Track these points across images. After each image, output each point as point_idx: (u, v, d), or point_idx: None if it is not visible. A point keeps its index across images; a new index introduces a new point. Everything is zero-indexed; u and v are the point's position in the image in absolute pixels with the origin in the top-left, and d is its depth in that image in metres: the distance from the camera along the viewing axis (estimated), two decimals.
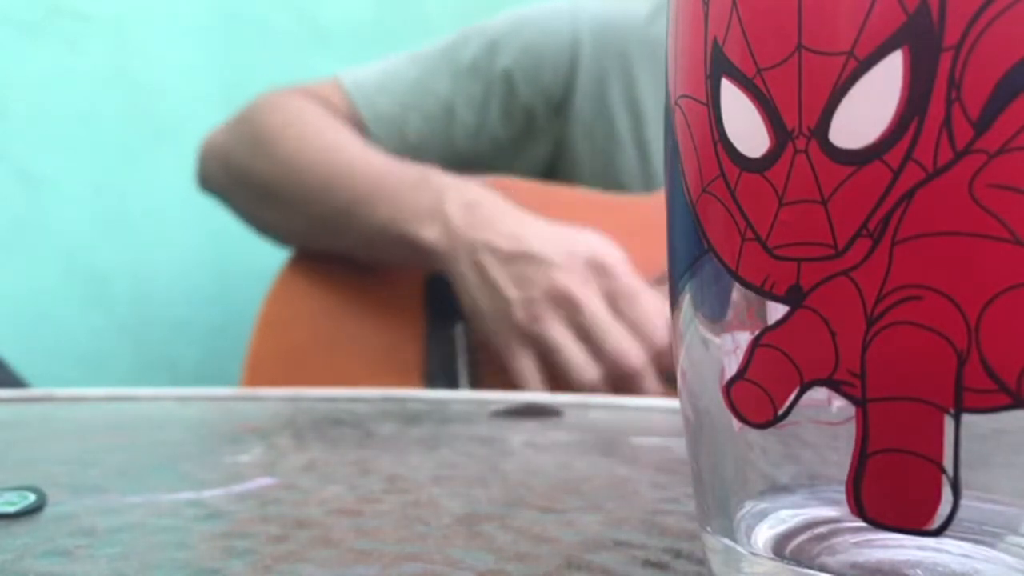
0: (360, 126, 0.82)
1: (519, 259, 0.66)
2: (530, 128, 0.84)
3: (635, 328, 0.64)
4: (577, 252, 0.66)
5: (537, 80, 0.82)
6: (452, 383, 0.72)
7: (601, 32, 0.83)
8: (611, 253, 0.67)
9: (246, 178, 0.81)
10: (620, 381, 0.64)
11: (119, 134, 1.05)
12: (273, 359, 0.75)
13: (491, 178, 0.77)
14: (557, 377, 0.66)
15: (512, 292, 0.66)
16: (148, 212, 1.07)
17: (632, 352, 0.63)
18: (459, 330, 0.74)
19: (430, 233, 0.69)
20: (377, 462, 0.29)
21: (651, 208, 0.71)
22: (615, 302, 0.65)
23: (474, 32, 0.85)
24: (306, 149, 0.77)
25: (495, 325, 0.67)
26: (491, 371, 0.72)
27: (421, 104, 0.83)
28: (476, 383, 0.72)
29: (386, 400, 0.46)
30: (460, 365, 0.72)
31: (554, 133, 0.85)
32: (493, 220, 0.69)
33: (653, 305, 0.65)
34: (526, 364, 0.66)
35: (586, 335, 0.64)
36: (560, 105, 0.83)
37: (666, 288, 0.74)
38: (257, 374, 0.74)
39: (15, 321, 0.99)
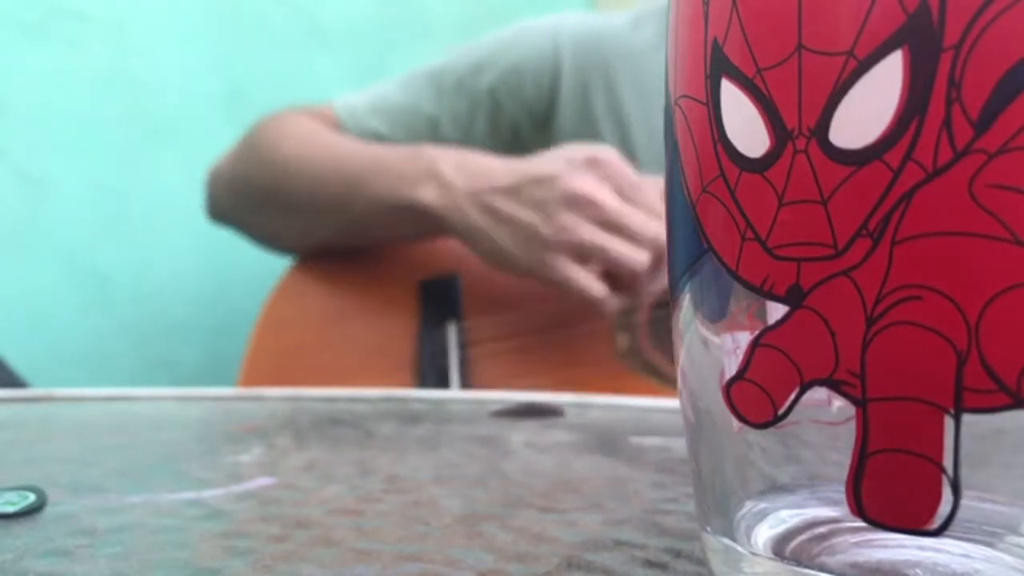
0: None
1: (523, 186, 0.68)
2: (516, 143, 0.86)
3: (649, 212, 0.66)
4: (574, 157, 0.68)
5: (520, 96, 0.84)
6: (443, 380, 0.73)
7: (582, 45, 0.84)
8: (603, 149, 0.69)
9: (249, 189, 0.83)
10: (660, 261, 0.66)
11: (119, 134, 1.05)
12: (270, 358, 0.76)
13: None
14: (610, 275, 0.67)
15: (531, 216, 0.67)
16: (148, 212, 1.07)
17: (661, 232, 0.64)
18: (451, 329, 0.75)
19: (427, 193, 0.71)
20: (377, 462, 0.29)
21: None
22: (621, 193, 0.67)
23: (459, 54, 0.87)
24: (303, 147, 0.80)
25: (527, 254, 0.68)
26: (481, 368, 0.73)
27: (407, 123, 0.85)
28: (466, 380, 0.73)
29: (386, 400, 0.46)
30: (451, 362, 0.73)
31: (540, 146, 0.86)
32: (487, 167, 0.71)
33: (655, 192, 0.67)
34: (575, 271, 0.66)
35: (615, 226, 0.66)
36: (544, 120, 0.85)
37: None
38: (255, 372, 0.75)
39: (15, 321, 0.99)
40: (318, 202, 0.77)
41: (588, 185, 0.66)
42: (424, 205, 0.71)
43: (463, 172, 0.70)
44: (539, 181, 0.67)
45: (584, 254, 0.66)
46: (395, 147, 0.77)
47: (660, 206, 0.66)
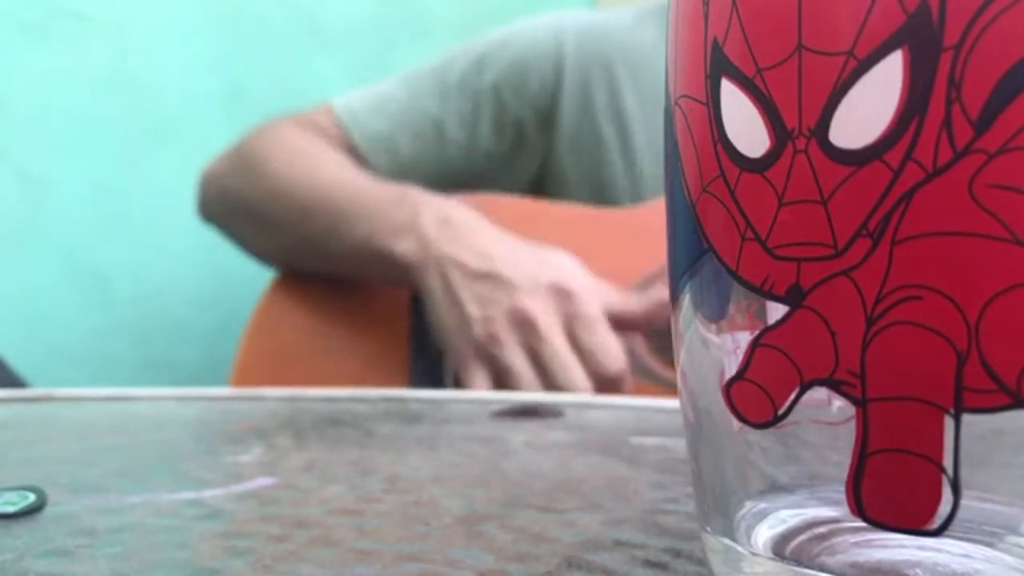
0: (352, 149, 0.83)
1: (485, 279, 0.67)
2: (521, 141, 0.85)
3: (587, 356, 0.65)
4: (541, 276, 0.67)
5: (524, 92, 0.84)
6: (437, 387, 0.73)
7: (584, 42, 0.84)
8: (576, 278, 0.67)
9: (238, 203, 0.82)
10: None
11: (119, 134, 1.05)
12: (261, 364, 0.75)
13: (475, 196, 0.77)
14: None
15: (474, 310, 0.67)
16: (148, 212, 1.07)
17: (580, 385, 0.64)
18: None
19: (404, 246, 0.70)
20: (377, 462, 0.29)
21: (634, 221, 0.72)
22: (572, 327, 0.66)
23: (461, 51, 0.86)
24: (290, 173, 0.79)
25: (455, 340, 0.68)
26: None
27: (411, 123, 0.84)
28: (461, 388, 0.73)
29: (386, 400, 0.46)
30: (446, 370, 0.73)
31: (542, 145, 0.86)
32: (466, 235, 0.69)
33: (609, 335, 0.66)
34: (479, 381, 0.67)
35: (539, 360, 0.65)
36: (547, 116, 0.84)
37: (648, 292, 0.75)
38: (245, 378, 0.74)
39: (15, 321, 0.99)
40: (302, 233, 0.77)
41: (537, 312, 0.65)
42: (398, 257, 0.70)
43: (442, 231, 0.70)
44: (500, 283, 0.67)
45: (496, 369, 0.66)
46: (382, 185, 0.76)
47: (611, 348, 0.65)
